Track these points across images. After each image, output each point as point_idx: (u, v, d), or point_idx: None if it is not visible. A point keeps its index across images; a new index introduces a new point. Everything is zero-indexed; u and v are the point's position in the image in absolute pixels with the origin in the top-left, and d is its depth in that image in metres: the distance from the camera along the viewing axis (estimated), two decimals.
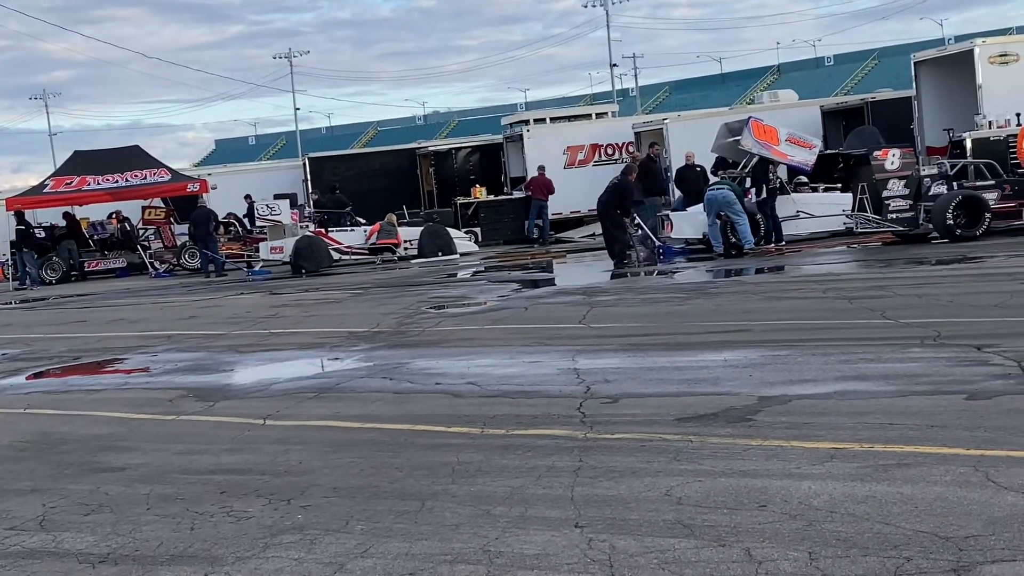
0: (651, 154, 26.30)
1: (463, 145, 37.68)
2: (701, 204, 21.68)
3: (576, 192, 30.62)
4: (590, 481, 6.23)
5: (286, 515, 6.14)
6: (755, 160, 21.83)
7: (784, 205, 21.99)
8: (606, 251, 21.79)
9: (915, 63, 24.96)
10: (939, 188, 19.34)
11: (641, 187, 25.84)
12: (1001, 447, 6.11)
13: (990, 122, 21.30)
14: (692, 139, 26.42)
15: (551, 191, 30.87)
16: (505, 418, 8.11)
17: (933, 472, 5.82)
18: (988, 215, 18.87)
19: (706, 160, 25.13)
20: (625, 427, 7.48)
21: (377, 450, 7.50)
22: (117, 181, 31.50)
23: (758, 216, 21.30)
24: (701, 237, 21.82)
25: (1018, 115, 19.24)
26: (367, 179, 34.23)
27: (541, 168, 31.53)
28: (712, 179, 23.71)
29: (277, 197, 30.03)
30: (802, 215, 22.26)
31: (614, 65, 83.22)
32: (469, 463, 6.89)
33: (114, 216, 33.08)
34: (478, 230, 31.63)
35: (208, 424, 9.09)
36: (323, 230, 28.35)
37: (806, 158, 22.37)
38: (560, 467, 6.59)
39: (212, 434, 8.63)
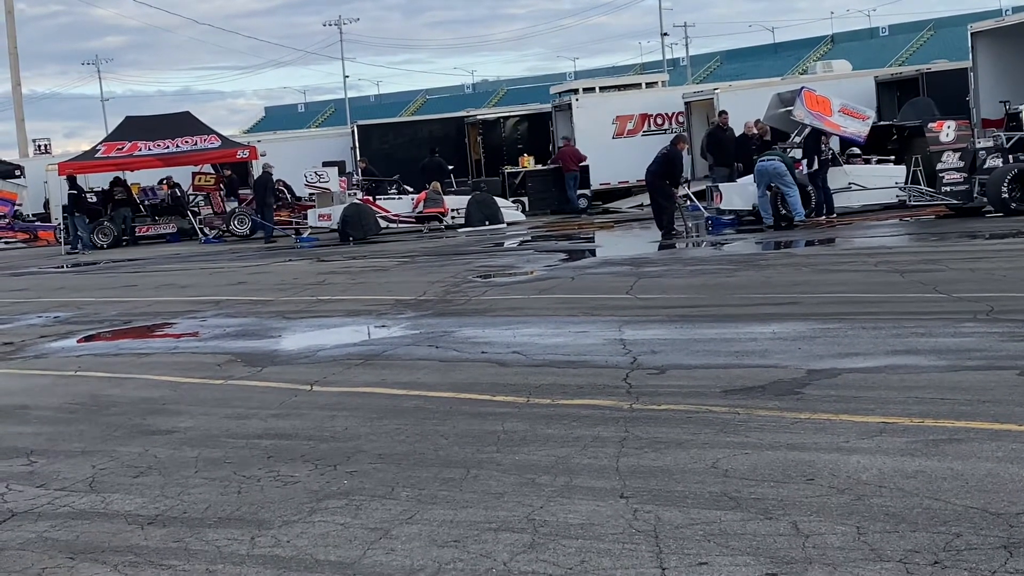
0: (720, 123, 26.19)
1: (511, 114, 37.61)
2: (751, 175, 21.54)
3: (625, 162, 30.55)
4: (635, 452, 6.21)
5: (332, 480, 6.16)
6: (807, 131, 21.62)
7: (836, 177, 21.77)
8: (654, 221, 21.67)
9: (972, 34, 24.56)
10: (994, 161, 19.08)
11: (712, 156, 25.87)
12: None
13: None
14: (744, 109, 26.18)
15: (580, 159, 30.96)
16: (551, 387, 8.10)
17: (984, 448, 5.74)
18: None
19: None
20: (671, 398, 7.44)
21: (423, 417, 7.51)
22: (168, 147, 31.72)
23: (809, 188, 21.11)
24: (751, 208, 21.66)
25: None
26: (415, 147, 34.23)
27: (566, 139, 31.70)
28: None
29: (326, 164, 30.13)
30: (854, 187, 22.04)
31: (665, 34, 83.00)
32: (514, 432, 6.88)
33: (165, 182, 33.32)
34: (525, 199, 31.63)
35: (256, 389, 9.14)
36: (371, 198, 28.42)
37: (859, 129, 22.14)
38: (605, 437, 6.56)
39: (260, 399, 8.68)
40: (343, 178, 29.31)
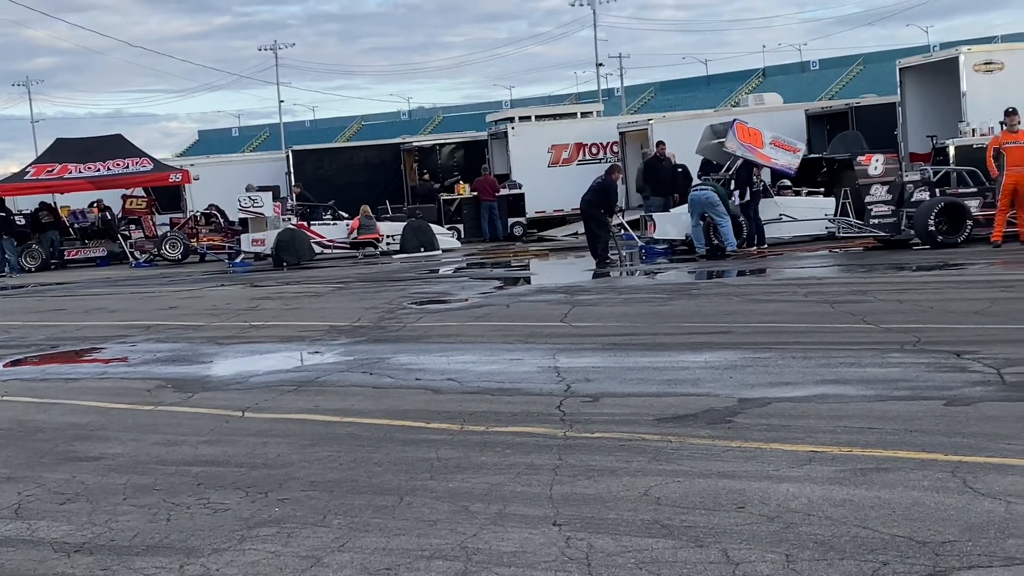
0: (658, 153, 26.44)
1: (448, 141, 37.69)
2: (685, 205, 21.74)
3: (560, 190, 30.70)
4: (569, 479, 6.23)
5: (263, 508, 6.11)
6: (739, 162, 21.86)
7: (767, 208, 22.05)
8: (588, 250, 21.78)
9: (900, 69, 25.06)
10: (922, 194, 19.41)
11: (648, 186, 26.15)
12: (979, 453, 6.13)
13: (973, 130, 21.40)
14: (677, 140, 26.45)
15: (497, 189, 31.32)
16: (485, 415, 8.10)
17: (911, 477, 5.83)
18: (970, 222, 18.93)
19: (689, 161, 25.19)
20: (605, 426, 7.47)
21: (356, 444, 7.48)
22: (99, 170, 31.43)
23: (741, 219, 21.34)
24: (684, 238, 21.85)
25: (1001, 123, 19.30)
26: (351, 173, 34.23)
27: (485, 169, 32.07)
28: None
29: (260, 189, 29.97)
30: (785, 218, 22.32)
31: (600, 64, 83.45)
32: (448, 459, 6.88)
33: (95, 205, 32.95)
34: (461, 227, 31.67)
35: (186, 415, 9.05)
36: (305, 223, 28.31)
37: (790, 161, 22.42)
38: (539, 465, 6.58)
39: (190, 425, 8.60)
40: (277, 203, 29.18)
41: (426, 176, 33.44)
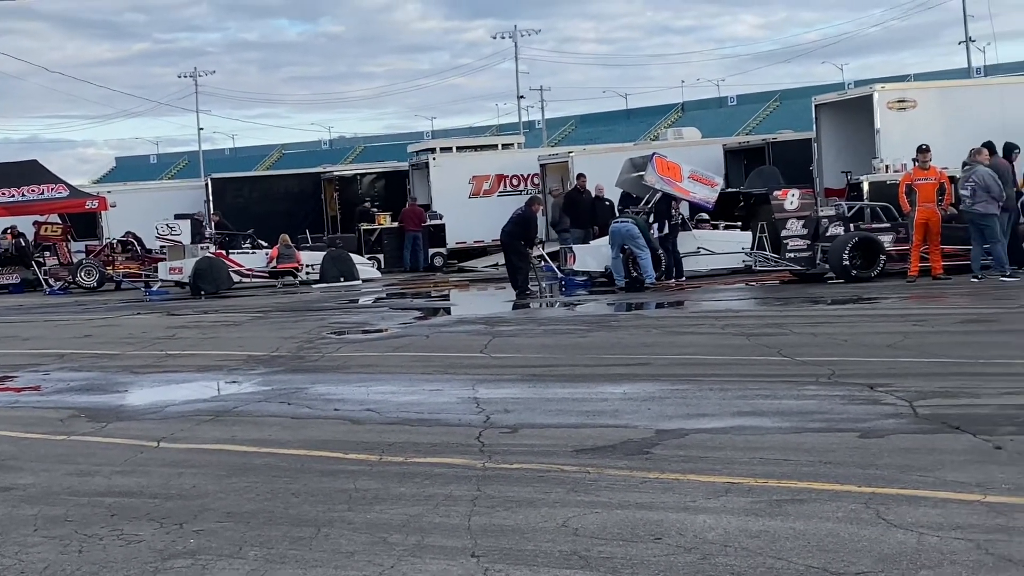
0: (578, 186, 26.61)
1: (369, 171, 37.65)
2: (605, 237, 21.89)
3: (480, 222, 30.78)
4: (487, 511, 6.23)
5: (178, 539, 6.03)
6: (658, 196, 22.07)
7: (686, 241, 22.27)
8: (509, 281, 21.83)
9: (815, 106, 25.46)
10: (836, 229, 19.73)
11: (568, 218, 26.33)
12: (891, 485, 6.23)
13: (887, 166, 21.80)
14: (597, 173, 26.66)
15: (423, 219, 31.39)
16: (404, 446, 8.07)
17: (825, 508, 5.91)
18: (883, 257, 19.29)
19: (610, 194, 25.40)
20: (523, 457, 7.48)
21: (273, 475, 7.41)
22: (13, 195, 30.91)
23: (660, 251, 21.53)
24: (604, 270, 21.98)
25: (914, 160, 19.70)
26: (271, 202, 34.06)
27: (412, 199, 32.18)
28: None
29: (178, 217, 29.67)
30: (703, 251, 22.56)
31: (521, 97, 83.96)
32: (366, 490, 6.84)
33: (9, 231, 32.36)
34: (381, 257, 31.61)
35: (100, 445, 8.90)
36: (224, 252, 28.05)
37: (708, 195, 22.69)
38: (458, 496, 6.57)
39: (104, 455, 8.46)
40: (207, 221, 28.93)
41: (366, 203, 33.45)
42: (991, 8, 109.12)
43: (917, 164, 19.26)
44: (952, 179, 19.33)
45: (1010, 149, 19.72)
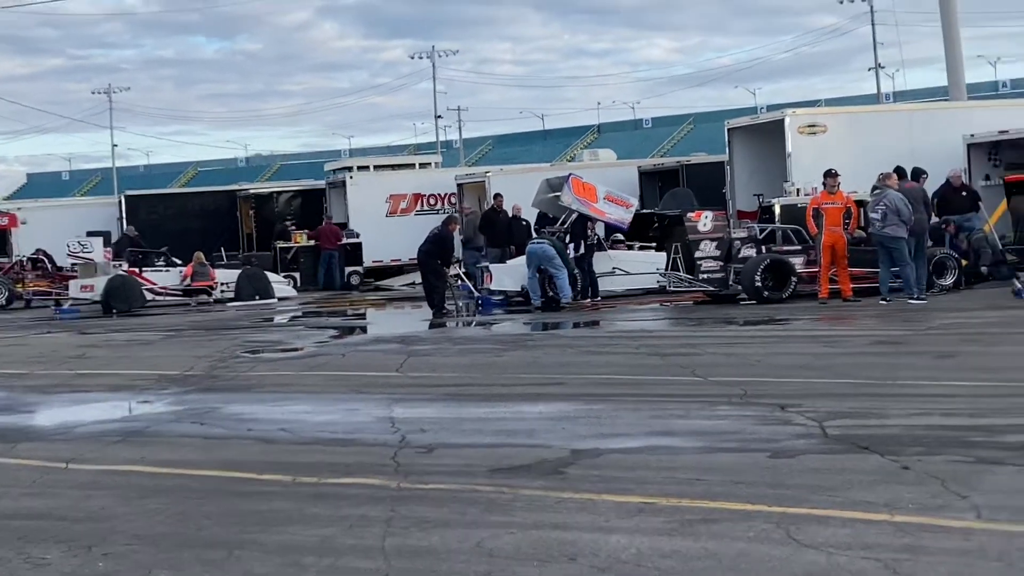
0: (495, 206, 26.65)
1: (285, 189, 37.45)
2: (522, 257, 21.96)
3: (398, 240, 30.76)
4: (402, 531, 6.21)
5: (86, 562, 5.93)
6: (574, 216, 22.20)
7: (601, 261, 22.41)
8: (426, 300, 21.80)
9: (728, 129, 25.77)
10: (748, 251, 19.98)
11: (484, 238, 26.37)
12: (802, 505, 6.31)
13: (798, 189, 22.12)
14: (514, 193, 26.75)
15: (339, 238, 31.32)
16: (318, 466, 8.02)
17: (737, 528, 5.97)
18: (795, 279, 19.56)
19: (528, 213, 25.49)
20: (439, 477, 7.47)
21: (184, 497, 7.32)
22: None
23: (576, 271, 21.63)
24: (520, 289, 22.04)
25: (822, 184, 20.02)
26: (186, 219, 33.72)
27: (328, 217, 32.10)
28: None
29: (90, 234, 29.21)
30: (618, 272, 22.71)
31: (439, 117, 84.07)
32: (279, 511, 6.78)
33: None
34: (297, 275, 31.42)
35: (7, 467, 8.72)
36: (137, 270, 27.68)
37: (623, 216, 22.85)
38: (372, 517, 6.54)
39: (11, 477, 8.29)
40: (108, 248, 28.48)
41: (286, 222, 33.24)
42: (900, 36, 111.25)
43: (825, 188, 19.59)
44: (861, 203, 19.68)
45: (918, 174, 20.12)
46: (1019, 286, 17.71)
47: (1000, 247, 20.63)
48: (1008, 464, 6.96)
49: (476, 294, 23.06)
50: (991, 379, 10.37)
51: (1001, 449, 7.39)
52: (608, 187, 23.39)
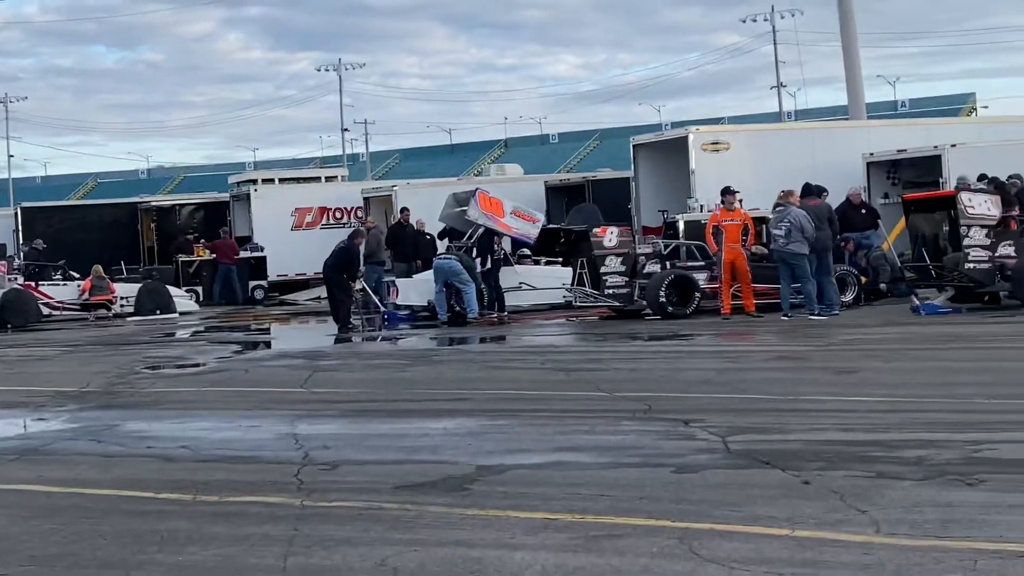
0: (401, 220, 26.56)
1: (188, 202, 36.99)
2: (428, 271, 21.91)
3: (303, 254, 30.49)
4: (305, 550, 6.13)
5: None
6: (481, 231, 22.20)
7: (507, 276, 22.42)
8: (331, 315, 21.65)
9: (634, 146, 26.03)
10: (653, 267, 20.14)
11: (390, 252, 26.26)
12: (704, 520, 6.35)
13: (701, 206, 22.38)
14: (421, 207, 26.71)
15: (237, 253, 31.01)
16: (219, 484, 7.90)
17: (640, 543, 5.98)
18: (698, 294, 19.74)
19: (433, 227, 25.48)
20: (342, 495, 7.40)
21: (80, 516, 7.16)
22: None
23: (482, 286, 21.63)
24: (426, 304, 21.98)
25: (720, 202, 20.27)
26: (84, 232, 33.09)
27: (225, 231, 31.77)
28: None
29: None
30: (524, 287, 22.75)
31: (345, 130, 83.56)
32: (178, 530, 6.66)
33: None
34: (199, 289, 30.99)
35: None
36: (32, 283, 27.09)
37: (530, 231, 22.90)
38: (274, 536, 6.45)
39: None
40: (3, 262, 27.85)
41: (189, 235, 32.92)
42: (801, 55, 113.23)
43: (723, 206, 19.81)
44: (762, 220, 19.95)
45: (819, 192, 20.46)
46: (917, 303, 18.08)
47: (899, 264, 21.03)
48: (906, 479, 7.07)
49: (382, 309, 22.95)
50: (890, 395, 10.54)
51: (899, 464, 7.51)
52: (515, 202, 23.43)
